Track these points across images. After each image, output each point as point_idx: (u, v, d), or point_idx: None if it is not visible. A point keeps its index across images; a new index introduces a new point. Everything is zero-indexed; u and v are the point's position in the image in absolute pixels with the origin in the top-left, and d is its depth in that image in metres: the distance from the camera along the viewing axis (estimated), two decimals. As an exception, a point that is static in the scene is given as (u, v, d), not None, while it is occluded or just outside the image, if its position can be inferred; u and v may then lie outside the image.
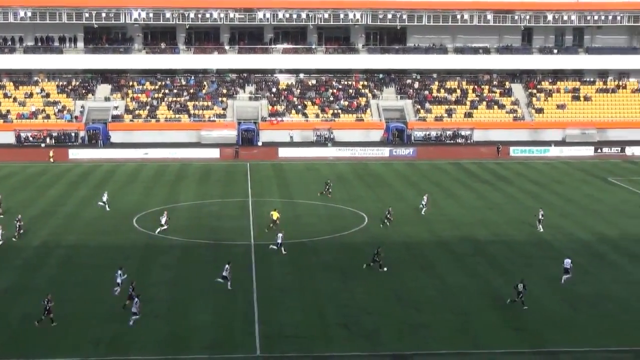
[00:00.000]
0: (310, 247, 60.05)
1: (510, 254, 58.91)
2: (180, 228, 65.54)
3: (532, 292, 49.98)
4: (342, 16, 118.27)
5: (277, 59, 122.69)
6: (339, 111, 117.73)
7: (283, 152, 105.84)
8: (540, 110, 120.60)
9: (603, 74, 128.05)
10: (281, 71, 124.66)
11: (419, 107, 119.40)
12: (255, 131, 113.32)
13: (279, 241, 58.52)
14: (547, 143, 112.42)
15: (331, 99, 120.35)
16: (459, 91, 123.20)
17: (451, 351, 41.23)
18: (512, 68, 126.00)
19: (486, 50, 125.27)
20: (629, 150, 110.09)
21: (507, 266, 55.74)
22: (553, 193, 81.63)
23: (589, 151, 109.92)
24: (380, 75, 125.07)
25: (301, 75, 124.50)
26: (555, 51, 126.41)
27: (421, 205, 72.40)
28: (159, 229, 63.90)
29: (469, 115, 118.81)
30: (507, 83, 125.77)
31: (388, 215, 67.09)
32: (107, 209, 72.28)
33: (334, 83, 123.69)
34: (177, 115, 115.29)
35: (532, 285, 51.29)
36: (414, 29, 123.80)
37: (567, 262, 52.91)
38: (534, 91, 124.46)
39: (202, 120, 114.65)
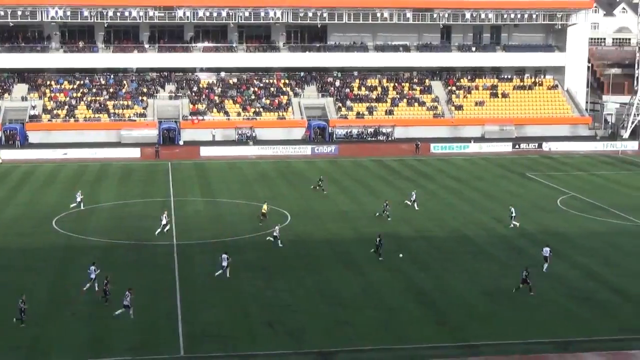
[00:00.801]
0: (232, 246, 59.77)
1: (432, 249, 59.51)
2: (101, 229, 64.68)
3: (453, 286, 50.62)
4: (262, 14, 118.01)
5: (198, 58, 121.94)
6: (261, 109, 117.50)
7: (205, 151, 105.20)
8: (459, 107, 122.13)
9: (520, 71, 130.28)
10: (202, 70, 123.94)
11: (340, 104, 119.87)
12: (176, 130, 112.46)
13: (276, 234, 59.80)
14: (467, 139, 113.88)
15: (253, 97, 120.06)
16: (379, 89, 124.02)
17: (375, 347, 41.45)
18: (431, 66, 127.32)
19: (406, 48, 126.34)
20: (546, 146, 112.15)
21: (429, 262, 56.29)
22: (473, 189, 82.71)
23: (507, 147, 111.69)
24: (302, 74, 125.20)
25: (222, 74, 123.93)
26: (474, 49, 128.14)
27: (408, 202, 72.99)
28: (159, 230, 62.82)
29: (389, 112, 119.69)
30: (427, 80, 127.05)
31: (385, 209, 68.52)
32: (82, 207, 71.56)
33: (255, 81, 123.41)
34: (96, 115, 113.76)
35: (453, 280, 51.97)
36: (334, 27, 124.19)
37: (546, 251, 54.75)
38: (454, 88, 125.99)
39: (122, 119, 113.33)
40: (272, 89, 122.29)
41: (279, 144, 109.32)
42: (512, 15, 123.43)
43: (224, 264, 52.33)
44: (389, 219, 68.00)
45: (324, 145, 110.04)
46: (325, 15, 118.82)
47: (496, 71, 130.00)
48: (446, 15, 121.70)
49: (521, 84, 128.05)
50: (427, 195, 79.21)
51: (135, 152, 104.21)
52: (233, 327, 43.83)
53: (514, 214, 66.70)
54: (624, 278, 53.00)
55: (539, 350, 41.53)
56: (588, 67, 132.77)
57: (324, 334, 43.00)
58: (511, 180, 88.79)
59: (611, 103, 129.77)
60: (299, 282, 51.41)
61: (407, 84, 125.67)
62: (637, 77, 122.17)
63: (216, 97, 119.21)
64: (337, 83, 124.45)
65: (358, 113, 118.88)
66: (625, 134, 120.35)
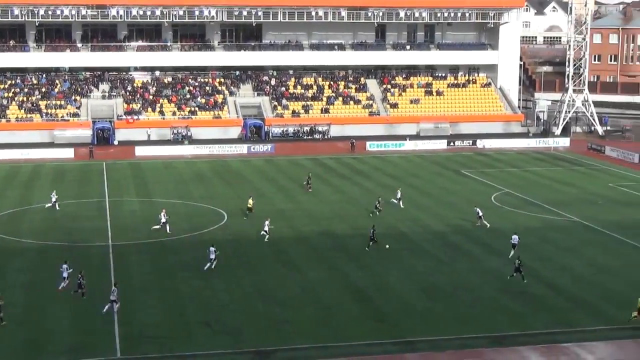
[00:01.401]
0: (169, 246, 59.47)
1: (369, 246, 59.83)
2: (35, 230, 63.81)
3: (391, 283, 51.01)
4: (197, 13, 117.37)
5: (132, 57, 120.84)
6: (196, 109, 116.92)
7: (140, 151, 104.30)
8: (394, 105, 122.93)
9: (454, 69, 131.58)
10: (136, 69, 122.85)
11: (276, 103, 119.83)
12: (110, 130, 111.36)
13: (266, 228, 61.17)
14: (402, 137, 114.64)
15: (188, 96, 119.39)
16: (315, 87, 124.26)
17: (314, 345, 41.59)
18: (366, 64, 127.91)
19: (341, 47, 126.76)
20: (480, 143, 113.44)
21: (366, 259, 56.61)
22: (409, 186, 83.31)
23: (442, 144, 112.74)
24: (237, 72, 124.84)
25: (157, 73, 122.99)
26: (408, 47, 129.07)
27: (394, 200, 73.21)
28: (157, 227, 63.26)
29: (325, 111, 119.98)
30: (362, 79, 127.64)
31: (378, 206, 69.27)
32: (57, 208, 70.83)
33: (190, 80, 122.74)
34: (28, 115, 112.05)
35: (390, 277, 52.35)
36: (269, 26, 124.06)
37: (515, 238, 56.99)
38: (389, 87, 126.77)
39: (55, 119, 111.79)
40: (207, 88, 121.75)
41: (214, 143, 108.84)
42: (446, 14, 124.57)
43: (212, 256, 53.30)
44: (378, 213, 69.24)
45: (260, 144, 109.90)
46: (260, 14, 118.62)
47: (431, 69, 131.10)
48: (380, 14, 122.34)
49: (455, 81, 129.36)
50: (363, 192, 79.58)
51: (69, 153, 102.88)
52: (170, 327, 43.61)
53: (480, 214, 66.49)
54: (556, 272, 53.93)
55: (474, 345, 42.06)
56: (520, 65, 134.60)
57: (262, 333, 43.02)
58: (446, 177, 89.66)
59: (543, 100, 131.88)
60: (237, 281, 51.33)
61: (343, 83, 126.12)
62: (568, 75, 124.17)
63: (151, 97, 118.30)
64: (273, 82, 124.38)
65: (294, 112, 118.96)
66: (557, 130, 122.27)
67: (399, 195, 73.81)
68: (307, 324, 44.34)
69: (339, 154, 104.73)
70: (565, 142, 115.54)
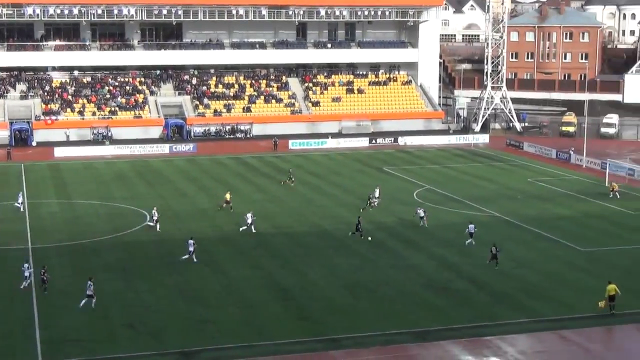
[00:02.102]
0: (91, 248, 58.66)
1: (292, 245, 59.88)
2: (-49, 234, 62.39)
3: (314, 281, 51.11)
4: (116, 12, 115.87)
5: (49, 57, 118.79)
6: (116, 109, 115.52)
7: (59, 152, 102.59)
8: (316, 104, 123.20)
9: (375, 67, 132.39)
10: (54, 69, 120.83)
11: (198, 102, 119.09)
12: (28, 131, 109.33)
13: (249, 221, 62.68)
14: (324, 135, 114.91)
15: (108, 96, 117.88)
16: (237, 86, 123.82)
17: (238, 344, 41.45)
18: (288, 62, 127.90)
19: (262, 45, 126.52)
20: (402, 140, 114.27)
21: (290, 257, 56.63)
22: (332, 184, 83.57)
23: (364, 142, 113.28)
24: (158, 72, 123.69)
25: (75, 73, 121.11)
26: (329, 45, 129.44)
27: (374, 198, 73.12)
28: (151, 223, 64.02)
29: (247, 109, 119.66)
30: (284, 77, 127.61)
31: (371, 199, 71.00)
32: (22, 210, 69.79)
33: (110, 80, 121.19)
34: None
35: (314, 275, 52.44)
36: (190, 25, 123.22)
37: (471, 227, 60.22)
38: (310, 85, 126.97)
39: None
40: (127, 87, 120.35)
41: (135, 143, 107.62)
42: (366, 12, 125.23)
43: (191, 249, 54.81)
44: (371, 208, 70.41)
45: (182, 143, 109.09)
46: (180, 12, 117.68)
47: (352, 67, 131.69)
48: (301, 12, 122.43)
49: (376, 79, 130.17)
50: (285, 191, 79.58)
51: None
52: (93, 330, 43.03)
53: (422, 215, 66.38)
54: (477, 267, 54.66)
55: (398, 340, 42.40)
56: (440, 62, 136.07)
57: (186, 333, 42.73)
58: (368, 174, 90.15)
59: (463, 98, 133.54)
60: (160, 282, 50.89)
61: (264, 81, 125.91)
62: (486, 72, 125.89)
63: (70, 97, 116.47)
64: (194, 81, 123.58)
65: (215, 111, 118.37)
66: (477, 127, 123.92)
67: (377, 194, 73.95)
68: (230, 323, 44.18)
69: (261, 153, 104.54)
70: (484, 138, 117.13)
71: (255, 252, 57.83)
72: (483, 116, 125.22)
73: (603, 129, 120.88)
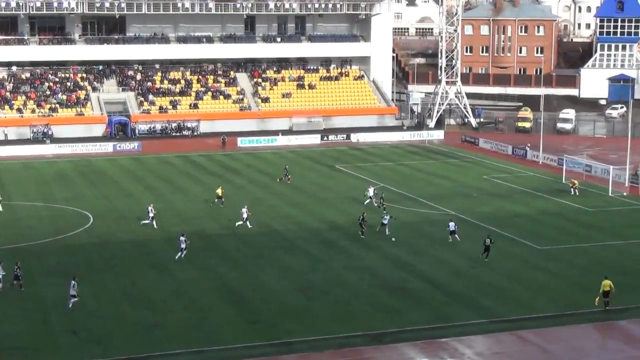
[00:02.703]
0: (31, 251, 57.99)
1: (242, 246, 59.76)
2: None
3: (266, 283, 51.05)
4: (55, 4, 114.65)
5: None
6: (57, 106, 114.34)
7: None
8: (266, 100, 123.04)
9: (326, 61, 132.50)
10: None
11: (142, 99, 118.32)
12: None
13: (245, 216, 64.18)
14: (275, 132, 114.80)
15: (48, 93, 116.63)
16: (183, 82, 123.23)
17: (187, 350, 41.26)
18: (236, 57, 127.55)
19: (209, 39, 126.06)
20: (354, 137, 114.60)
21: (239, 259, 56.53)
22: (283, 183, 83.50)
23: (315, 139, 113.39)
24: (100, 67, 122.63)
25: (14, 68, 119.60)
26: (279, 39, 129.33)
27: (368, 197, 73.26)
28: (146, 222, 64.81)
29: (194, 106, 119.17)
30: (232, 72, 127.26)
31: (381, 200, 71.49)
32: None
33: (50, 76, 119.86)
34: None
35: (265, 277, 52.39)
36: (133, 18, 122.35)
37: (452, 225, 61.11)
38: (259, 80, 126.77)
39: None
40: (68, 83, 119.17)
41: (77, 141, 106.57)
42: (317, 5, 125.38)
43: (182, 246, 55.49)
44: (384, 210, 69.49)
45: (126, 141, 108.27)
46: (123, 5, 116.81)
47: (302, 62, 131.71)
48: (250, 5, 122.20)
49: (327, 74, 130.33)
50: (235, 190, 79.39)
51: None
52: (34, 337, 42.55)
53: (370, 195, 70.33)
54: (433, 267, 55.00)
55: (353, 343, 42.48)
56: (393, 57, 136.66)
57: (133, 339, 42.43)
58: (320, 172, 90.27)
59: (416, 93, 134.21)
60: (104, 286, 50.49)
61: (212, 77, 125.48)
62: (441, 67, 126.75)
63: (7, 93, 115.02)
64: (138, 76, 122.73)
65: (161, 107, 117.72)
66: (431, 123, 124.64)
67: (371, 193, 74.09)
68: (179, 328, 43.95)
69: (209, 151, 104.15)
70: (439, 134, 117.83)
71: (203, 253, 57.59)
72: (437, 112, 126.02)
73: (559, 125, 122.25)
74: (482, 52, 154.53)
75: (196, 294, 49.20)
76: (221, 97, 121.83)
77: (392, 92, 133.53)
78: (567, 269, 54.83)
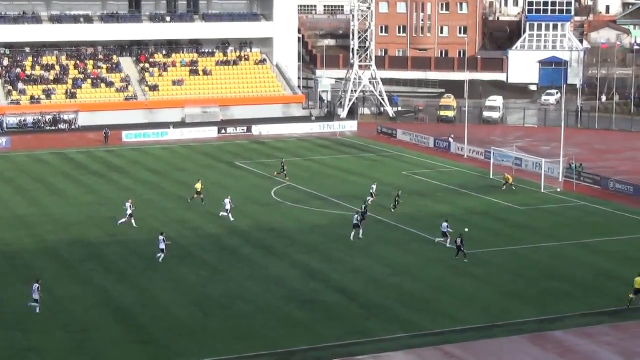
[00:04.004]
0: None
1: (129, 255, 59.29)
2: None
3: (157, 298, 50.74)
4: None
5: None
6: None
7: None
8: (154, 88, 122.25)
9: (223, 44, 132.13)
10: None
11: (11, 87, 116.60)
12: None
13: (227, 207, 68.10)
14: (165, 125, 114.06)
15: None
16: (58, 67, 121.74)
17: (66, 376, 40.86)
18: (119, 39, 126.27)
19: (88, 19, 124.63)
20: (256, 129, 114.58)
21: (127, 270, 56.06)
22: (175, 182, 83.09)
23: (212, 132, 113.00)
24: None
25: None
26: (168, 19, 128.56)
27: (369, 198, 73.33)
28: (123, 220, 66.52)
29: (71, 95, 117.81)
30: (114, 57, 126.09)
31: (397, 198, 72.15)
32: None
33: None
34: None
35: (156, 290, 52.07)
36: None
37: (445, 226, 62.02)
38: (147, 65, 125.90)
39: None
40: None
41: None
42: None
43: (162, 246, 57.43)
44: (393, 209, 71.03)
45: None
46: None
47: (195, 44, 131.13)
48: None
49: (225, 58, 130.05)
50: (119, 192, 78.70)
51: None
52: None
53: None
54: (347, 275, 55.32)
55: (258, 364, 42.59)
56: (298, 38, 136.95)
57: (3, 365, 41.86)
58: (218, 170, 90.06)
59: (326, 78, 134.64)
60: (-31, 305, 49.66)
61: (91, 62, 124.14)
62: (353, 49, 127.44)
63: None
64: (5, 62, 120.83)
65: (32, 97, 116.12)
66: (343, 113, 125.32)
67: (374, 189, 74.78)
68: (58, 351, 43.44)
69: (89, 147, 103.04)
70: (352, 125, 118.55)
71: (85, 265, 57.01)
72: (350, 100, 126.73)
73: (486, 113, 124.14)
74: (399, 32, 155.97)
75: (77, 312, 48.66)
76: (102, 84, 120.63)
77: (299, 78, 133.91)
78: (496, 274, 55.74)
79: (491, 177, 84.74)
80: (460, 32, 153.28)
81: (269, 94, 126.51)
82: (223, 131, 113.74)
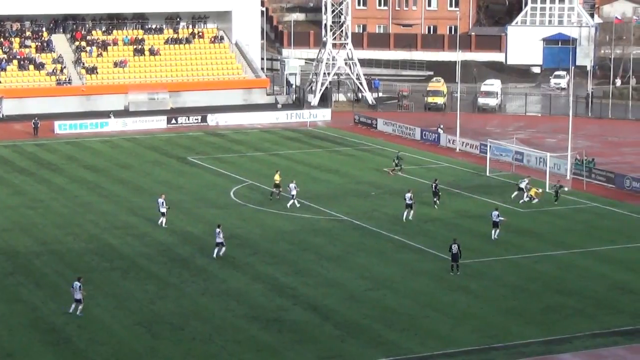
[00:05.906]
0: None
1: (63, 267, 59.14)
2: None
3: (97, 317, 50.71)
4: None
5: None
6: None
7: None
8: (92, 70, 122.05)
9: (173, 18, 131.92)
10: None
11: None
12: None
13: (293, 192, 73.34)
14: (105, 114, 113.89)
15: None
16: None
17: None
18: (50, 13, 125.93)
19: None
20: (212, 119, 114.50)
21: (60, 285, 55.88)
22: (117, 181, 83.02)
23: (160, 122, 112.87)
24: None
25: None
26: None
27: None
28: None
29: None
30: (45, 34, 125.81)
31: (435, 189, 74.86)
32: None
33: None
34: None
35: (96, 308, 52.01)
36: None
37: (495, 215, 64.80)
38: (83, 44, 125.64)
39: None
40: None
41: None
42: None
43: (163, 210, 65.37)
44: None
45: None
46: None
47: (140, 20, 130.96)
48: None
49: (175, 36, 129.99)
50: (53, 193, 78.60)
51: None
52: None
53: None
54: (320, 289, 55.39)
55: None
56: (262, 11, 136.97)
57: None
58: (168, 167, 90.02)
59: (294, 60, 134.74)
60: None
61: (18, 40, 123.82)
62: (325, 25, 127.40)
63: None
64: None
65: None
66: (314, 100, 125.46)
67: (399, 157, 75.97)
68: (-20, 380, 43.42)
69: (16, 140, 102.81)
70: (325, 114, 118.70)
71: (11, 279, 56.86)
72: (322, 85, 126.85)
73: (481, 100, 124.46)
74: (380, 4, 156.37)
75: (2, 334, 48.56)
76: (31, 66, 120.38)
77: (262, 59, 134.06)
78: (494, 288, 55.95)
79: (487, 174, 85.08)
80: (451, 5, 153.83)
81: (227, 78, 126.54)
82: (173, 121, 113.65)
